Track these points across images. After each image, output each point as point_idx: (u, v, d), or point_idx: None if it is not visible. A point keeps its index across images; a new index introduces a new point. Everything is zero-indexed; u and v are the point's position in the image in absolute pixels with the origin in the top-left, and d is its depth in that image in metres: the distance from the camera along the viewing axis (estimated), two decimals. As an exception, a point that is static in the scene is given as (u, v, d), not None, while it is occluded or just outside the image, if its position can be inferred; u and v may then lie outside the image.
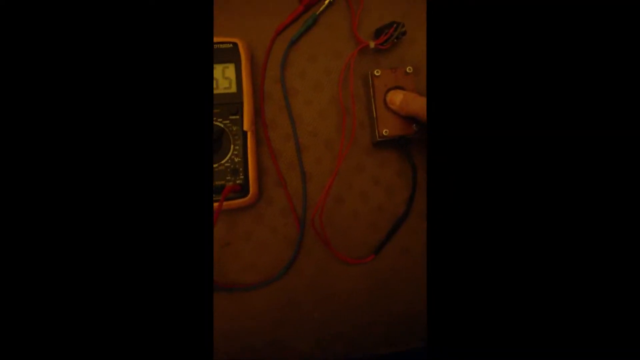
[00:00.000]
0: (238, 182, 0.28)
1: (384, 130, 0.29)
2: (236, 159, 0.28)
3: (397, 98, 0.29)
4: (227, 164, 0.28)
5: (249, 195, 0.28)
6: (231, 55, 0.30)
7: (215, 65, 0.29)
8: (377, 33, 0.32)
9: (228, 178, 0.28)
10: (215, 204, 0.26)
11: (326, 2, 0.33)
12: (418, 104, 0.27)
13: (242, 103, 0.29)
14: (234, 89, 0.29)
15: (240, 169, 0.28)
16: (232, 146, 0.28)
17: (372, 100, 0.30)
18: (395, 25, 0.31)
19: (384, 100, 0.30)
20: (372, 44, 0.31)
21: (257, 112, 0.31)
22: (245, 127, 0.29)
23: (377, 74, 0.30)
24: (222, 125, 0.29)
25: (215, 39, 0.30)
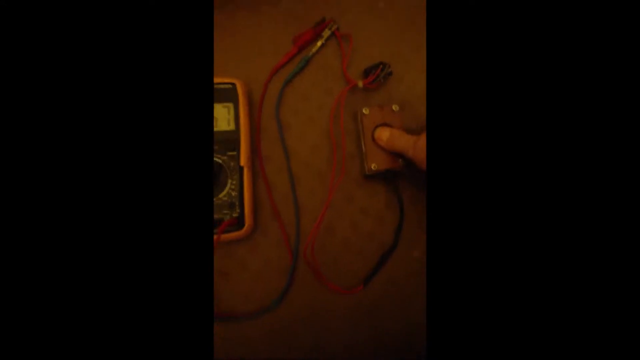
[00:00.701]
0: (234, 215, 0.30)
1: (372, 165, 0.31)
2: (233, 193, 0.30)
3: (384, 135, 0.31)
4: (224, 198, 0.30)
5: (244, 228, 0.30)
6: (230, 95, 0.32)
7: (215, 105, 0.31)
8: (366, 73, 0.34)
9: (225, 211, 0.30)
10: (215, 237, 0.28)
11: (318, 44, 0.35)
12: (403, 141, 0.29)
13: (239, 140, 0.31)
14: (232, 127, 0.31)
15: (237, 203, 0.30)
16: (229, 181, 0.30)
17: (362, 136, 0.32)
18: (382, 66, 0.33)
19: (372, 136, 0.32)
20: (360, 84, 0.33)
21: (254, 147, 0.33)
22: (242, 162, 0.31)
23: (365, 112, 0.32)
24: (220, 161, 0.30)
25: (215, 80, 0.32)
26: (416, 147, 0.27)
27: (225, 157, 0.31)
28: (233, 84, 0.32)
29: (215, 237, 0.27)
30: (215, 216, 0.30)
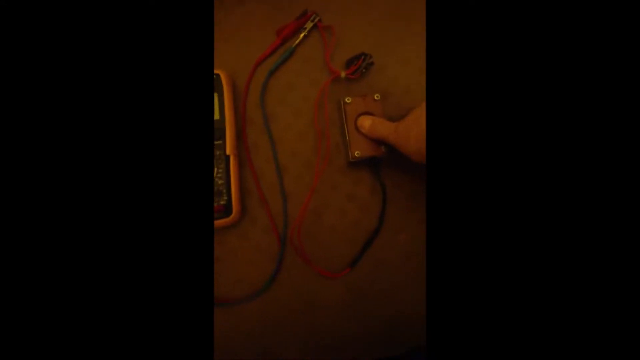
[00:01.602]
0: (222, 202, 0.30)
1: (355, 152, 0.32)
2: (219, 181, 0.31)
3: (366, 123, 0.32)
4: (211, 186, 0.30)
5: (232, 215, 0.30)
6: (215, 85, 0.32)
7: (199, 96, 0.32)
8: (348, 63, 0.35)
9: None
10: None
11: (301, 35, 0.36)
12: (385, 128, 0.30)
13: (224, 129, 0.31)
14: (217, 117, 0.32)
15: (224, 191, 0.30)
16: (215, 169, 0.31)
17: (345, 124, 0.33)
18: (363, 56, 0.34)
19: (355, 124, 0.33)
20: (342, 74, 0.34)
21: (239, 137, 0.33)
22: (228, 151, 0.31)
23: (348, 102, 0.33)
24: (206, 151, 0.31)
25: (200, 71, 0.32)
26: (397, 132, 0.28)
27: (211, 147, 0.31)
28: (217, 75, 0.32)
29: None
30: (203, 204, 0.30)
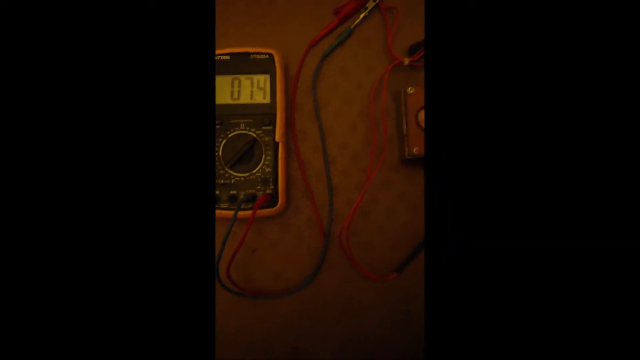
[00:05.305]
0: (268, 191, 0.29)
1: (414, 149, 0.29)
2: (267, 169, 0.29)
3: (429, 117, 0.29)
4: (258, 174, 0.29)
5: (278, 205, 0.29)
6: (267, 66, 0.30)
7: (251, 76, 0.30)
8: (412, 50, 0.32)
9: (258, 187, 0.29)
10: (248, 213, 0.27)
11: (361, 16, 0.33)
12: (451, 125, 0.27)
13: (275, 114, 0.29)
14: (267, 100, 0.30)
15: (271, 179, 0.29)
16: (263, 156, 0.29)
17: (404, 117, 0.30)
18: (430, 43, 0.31)
19: (416, 118, 0.30)
20: (406, 61, 0.31)
21: (288, 123, 0.31)
22: (277, 138, 0.29)
23: (410, 92, 0.30)
24: (254, 135, 0.29)
25: (252, 49, 0.30)
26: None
27: (260, 132, 0.29)
28: (270, 55, 0.30)
29: (250, 212, 0.27)
30: (249, 191, 0.28)
